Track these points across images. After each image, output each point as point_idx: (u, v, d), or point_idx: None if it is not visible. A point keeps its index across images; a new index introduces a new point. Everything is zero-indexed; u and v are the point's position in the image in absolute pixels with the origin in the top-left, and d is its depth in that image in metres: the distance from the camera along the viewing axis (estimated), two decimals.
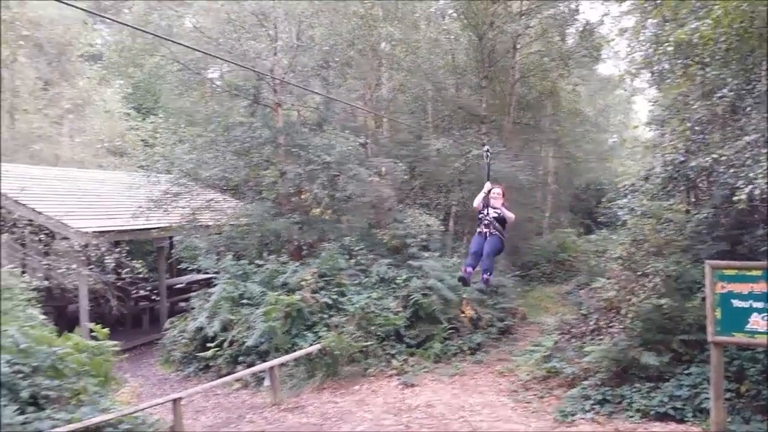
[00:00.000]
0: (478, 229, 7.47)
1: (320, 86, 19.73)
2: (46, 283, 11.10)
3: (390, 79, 20.03)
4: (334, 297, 12.71)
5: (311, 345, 11.64)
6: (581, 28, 21.31)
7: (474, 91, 20.20)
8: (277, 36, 16.24)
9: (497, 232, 7.37)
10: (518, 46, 20.29)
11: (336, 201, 15.28)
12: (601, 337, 11.17)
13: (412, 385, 11.37)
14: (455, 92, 20.55)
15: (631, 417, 9.31)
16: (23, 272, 10.86)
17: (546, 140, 23.63)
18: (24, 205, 12.54)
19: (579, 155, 27.10)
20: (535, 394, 10.84)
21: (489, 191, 7.52)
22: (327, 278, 13.11)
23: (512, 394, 11.02)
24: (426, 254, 14.47)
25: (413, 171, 18.07)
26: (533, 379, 11.34)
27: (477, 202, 7.56)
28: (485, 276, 7.42)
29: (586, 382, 10.32)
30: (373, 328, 12.29)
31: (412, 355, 12.42)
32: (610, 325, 11.29)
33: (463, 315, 13.41)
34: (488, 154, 7.79)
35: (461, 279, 7.39)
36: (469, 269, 7.26)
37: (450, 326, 13.15)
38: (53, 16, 18.31)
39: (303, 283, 12.79)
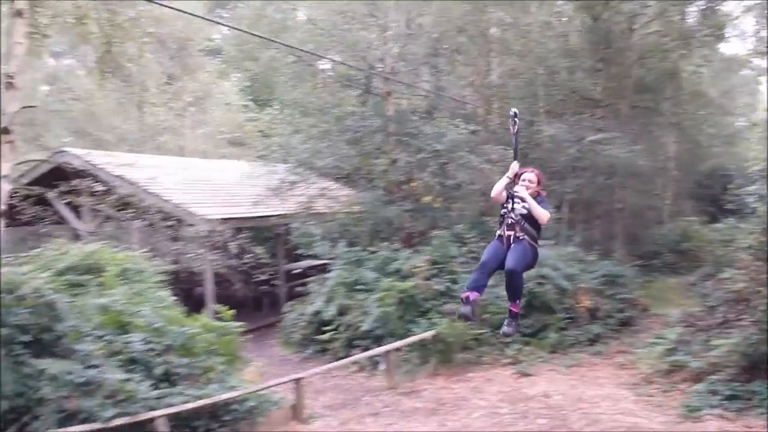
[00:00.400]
0: (498, 231, 5.29)
1: (429, 74, 19.74)
2: (174, 266, 11.75)
3: (500, 64, 19.69)
4: (447, 284, 12.72)
5: (425, 331, 11.72)
6: (703, 6, 20.03)
7: (588, 75, 19.49)
8: (387, 25, 16.37)
9: (527, 237, 5.15)
10: (635, 27, 19.35)
11: (446, 189, 15.26)
12: (730, 330, 10.62)
13: (528, 375, 11.23)
14: (568, 76, 19.91)
15: (763, 414, 8.82)
16: (154, 256, 11.54)
17: (666, 124, 22.44)
18: (153, 193, 13.33)
19: (702, 139, 25.60)
20: (658, 388, 10.45)
21: (516, 176, 5.30)
22: (439, 266, 13.13)
23: (634, 387, 10.68)
24: (540, 243, 14.15)
25: (525, 158, 17.69)
26: (656, 373, 10.92)
27: (497, 190, 5.28)
28: (513, 308, 5.13)
29: (713, 377, 9.86)
30: (486, 316, 12.18)
31: (527, 344, 12.24)
32: (740, 318, 10.71)
33: (579, 305, 13.05)
34: (516, 120, 5.46)
35: (461, 316, 4.99)
36: (474, 295, 4.96)
37: (566, 316, 12.84)
38: (174, 13, 19.29)
39: (415, 270, 12.88)
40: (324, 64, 19.12)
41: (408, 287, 12.32)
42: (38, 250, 11.01)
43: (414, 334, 11.66)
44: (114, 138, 19.23)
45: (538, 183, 5.33)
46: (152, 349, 9.13)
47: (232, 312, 10.32)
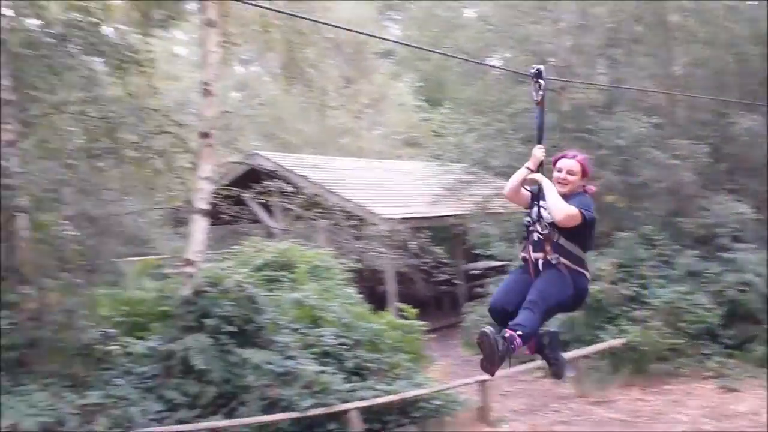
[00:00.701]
0: (522, 253, 3.82)
1: (606, 66, 18.81)
2: (358, 264, 12.07)
3: (685, 53, 18.32)
4: (636, 289, 11.97)
5: (614, 338, 11.12)
6: None
7: None
8: (559, 18, 15.83)
9: (564, 260, 3.60)
10: None
11: (630, 187, 14.41)
12: None
13: (734, 390, 10.31)
14: (762, 63, 18.09)
15: None
16: (339, 254, 11.94)
17: None
18: (336, 193, 13.82)
19: None
20: None
21: (542, 164, 3.82)
22: (626, 269, 12.39)
23: None
24: (740, 246, 12.95)
25: (717, 153, 16.32)
26: None
27: (510, 187, 3.87)
28: (511, 334, 3.44)
29: None
30: (682, 324, 11.34)
31: (730, 357, 11.24)
32: None
33: None
34: (540, 83, 3.84)
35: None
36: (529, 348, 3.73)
37: None
38: (349, 17, 20.13)
39: (600, 273, 12.25)
40: (496, 60, 18.88)
41: (594, 291, 11.74)
42: (237, 247, 11.77)
43: (602, 341, 11.10)
44: (299, 140, 20.28)
45: (583, 174, 3.73)
46: (343, 344, 9.48)
47: (415, 310, 10.40)
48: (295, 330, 9.58)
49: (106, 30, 10.46)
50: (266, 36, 14.71)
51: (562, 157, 3.80)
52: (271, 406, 8.45)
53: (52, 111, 9.25)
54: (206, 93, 10.26)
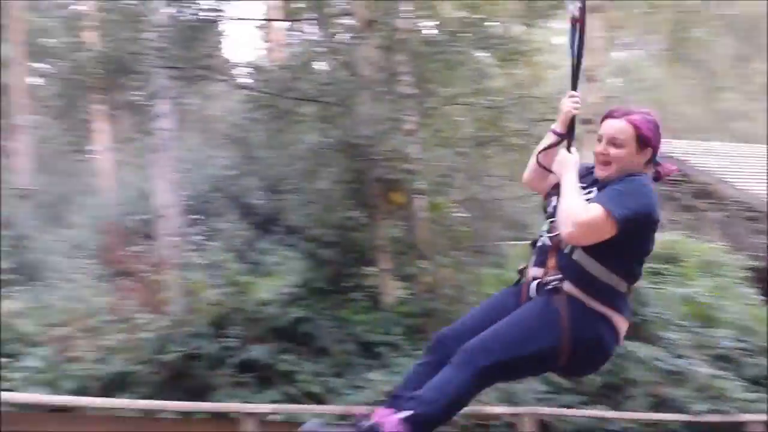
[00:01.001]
0: (522, 266, 2.44)
1: None
2: (759, 263, 10.77)
3: None
4: None
5: None
6: None
7: None
8: None
9: (572, 287, 2.12)
10: None
11: None
12: None
13: None
14: None
15: None
16: (735, 250, 10.80)
17: None
18: (728, 182, 12.47)
19: None
20: None
21: (573, 123, 2.33)
22: None
23: None
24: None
25: None
26: None
27: (529, 168, 2.46)
28: (380, 422, 1.98)
29: None
30: None
31: None
32: None
33: None
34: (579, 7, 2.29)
35: None
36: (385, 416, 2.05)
37: None
38: None
39: None
40: None
41: None
42: None
43: None
44: (683, 125, 18.96)
45: (642, 143, 2.18)
46: (743, 349, 8.68)
47: None
48: (684, 328, 8.91)
49: (493, 25, 10.95)
50: (651, 18, 13.93)
51: (609, 116, 2.25)
52: (659, 405, 8.02)
53: (446, 103, 9.96)
54: (589, 79, 10.13)
